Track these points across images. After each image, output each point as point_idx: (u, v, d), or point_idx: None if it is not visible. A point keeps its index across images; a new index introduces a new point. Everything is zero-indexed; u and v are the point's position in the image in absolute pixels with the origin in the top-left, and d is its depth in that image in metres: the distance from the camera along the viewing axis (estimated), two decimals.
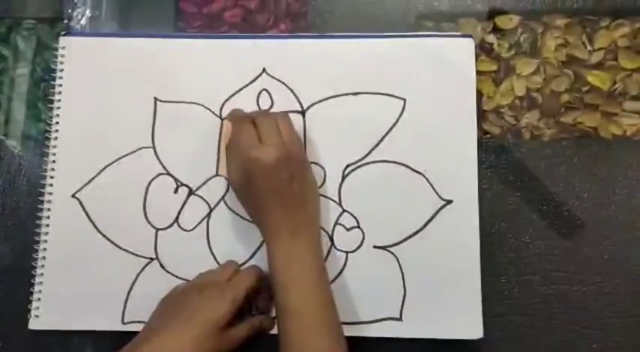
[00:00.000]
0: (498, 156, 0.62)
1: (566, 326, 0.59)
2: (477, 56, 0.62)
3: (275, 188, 0.54)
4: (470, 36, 0.62)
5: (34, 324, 0.59)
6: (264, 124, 0.56)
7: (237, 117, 0.59)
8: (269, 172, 0.54)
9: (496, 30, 0.64)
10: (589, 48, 0.63)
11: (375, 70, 0.62)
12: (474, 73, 0.61)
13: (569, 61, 0.63)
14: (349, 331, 0.57)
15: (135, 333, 0.55)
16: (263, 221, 0.56)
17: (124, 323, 0.59)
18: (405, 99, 0.61)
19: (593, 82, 0.63)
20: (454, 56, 0.62)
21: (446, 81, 0.62)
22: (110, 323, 0.59)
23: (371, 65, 0.62)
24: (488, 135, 0.62)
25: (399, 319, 0.58)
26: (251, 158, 0.54)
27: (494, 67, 0.63)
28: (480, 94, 0.62)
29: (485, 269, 0.58)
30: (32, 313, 0.59)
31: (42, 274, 0.60)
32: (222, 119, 0.62)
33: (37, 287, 0.59)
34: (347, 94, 0.62)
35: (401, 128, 0.61)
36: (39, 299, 0.59)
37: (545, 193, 0.61)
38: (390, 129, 0.61)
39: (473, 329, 0.57)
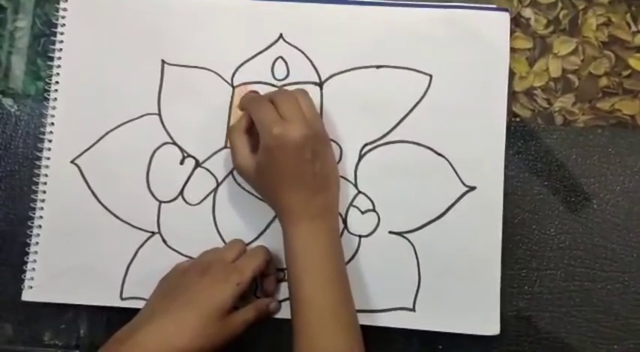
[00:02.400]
0: (527, 142, 0.58)
1: (588, 325, 0.56)
2: (511, 32, 0.57)
3: (298, 168, 0.51)
4: (506, 9, 0.57)
5: (27, 295, 0.56)
6: (285, 101, 0.52)
7: (251, 98, 0.55)
8: (294, 150, 0.50)
9: (534, 4, 0.59)
10: (633, 28, 0.58)
11: (400, 41, 0.58)
12: (508, 50, 0.57)
13: (611, 42, 0.58)
14: (359, 319, 0.55)
15: (133, 310, 0.53)
16: (283, 204, 0.52)
17: (122, 298, 0.56)
18: (431, 76, 0.57)
19: (635, 66, 0.58)
20: (487, 31, 0.57)
21: (476, 57, 0.57)
22: (108, 298, 0.56)
23: (396, 36, 0.58)
24: (517, 119, 0.58)
25: (412, 309, 0.55)
26: (274, 135, 0.50)
27: (529, 45, 0.59)
28: (511, 74, 0.58)
29: (505, 261, 0.55)
30: (26, 284, 0.56)
31: (37, 243, 0.56)
32: (233, 87, 0.58)
33: (31, 257, 0.56)
34: (369, 67, 0.58)
35: (425, 106, 0.57)
36: (33, 269, 0.56)
37: (574, 184, 0.57)
38: (414, 107, 0.57)
39: (489, 324, 0.55)
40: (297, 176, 0.51)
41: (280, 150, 0.50)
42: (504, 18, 0.57)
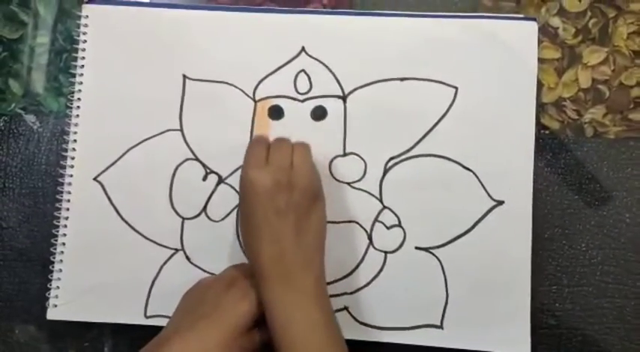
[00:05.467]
0: (556, 155, 0.56)
1: (621, 343, 0.54)
2: (539, 41, 0.56)
3: (268, 217, 0.49)
4: (533, 19, 0.56)
5: (52, 314, 0.56)
6: (277, 148, 0.52)
7: (253, 138, 0.56)
8: (262, 197, 0.49)
9: (562, 12, 0.58)
10: None
11: (424, 53, 0.57)
12: (536, 61, 0.56)
13: None
14: (385, 337, 0.54)
15: (157, 328, 0.52)
16: (253, 257, 0.50)
17: (146, 317, 0.56)
18: (456, 88, 0.56)
19: None
20: (514, 41, 0.56)
21: (503, 68, 0.56)
22: (132, 316, 0.56)
23: (420, 48, 0.57)
24: (546, 131, 0.57)
25: (440, 327, 0.54)
26: (246, 178, 0.50)
27: (558, 55, 0.57)
28: (539, 85, 0.56)
29: (535, 277, 0.54)
30: (50, 302, 0.56)
31: (61, 261, 0.56)
32: (255, 101, 0.57)
33: (55, 275, 0.56)
34: (393, 79, 0.57)
35: (451, 119, 0.56)
36: (57, 287, 0.56)
37: (606, 198, 0.56)
38: (439, 120, 0.56)
39: (519, 342, 0.53)
40: (266, 226, 0.49)
41: (249, 195, 0.50)
42: (532, 28, 0.56)
